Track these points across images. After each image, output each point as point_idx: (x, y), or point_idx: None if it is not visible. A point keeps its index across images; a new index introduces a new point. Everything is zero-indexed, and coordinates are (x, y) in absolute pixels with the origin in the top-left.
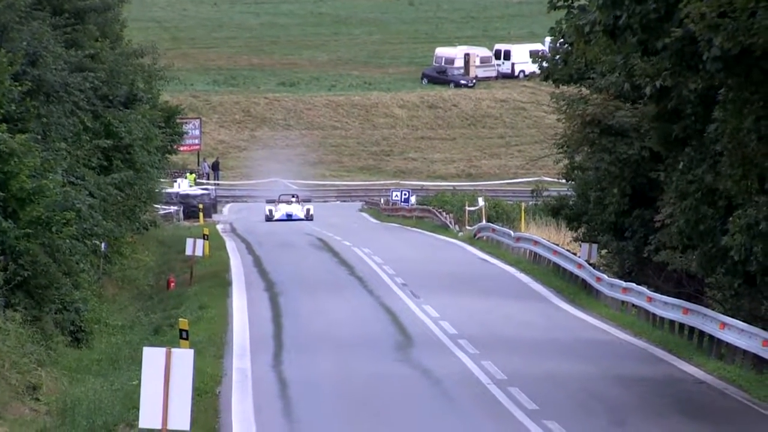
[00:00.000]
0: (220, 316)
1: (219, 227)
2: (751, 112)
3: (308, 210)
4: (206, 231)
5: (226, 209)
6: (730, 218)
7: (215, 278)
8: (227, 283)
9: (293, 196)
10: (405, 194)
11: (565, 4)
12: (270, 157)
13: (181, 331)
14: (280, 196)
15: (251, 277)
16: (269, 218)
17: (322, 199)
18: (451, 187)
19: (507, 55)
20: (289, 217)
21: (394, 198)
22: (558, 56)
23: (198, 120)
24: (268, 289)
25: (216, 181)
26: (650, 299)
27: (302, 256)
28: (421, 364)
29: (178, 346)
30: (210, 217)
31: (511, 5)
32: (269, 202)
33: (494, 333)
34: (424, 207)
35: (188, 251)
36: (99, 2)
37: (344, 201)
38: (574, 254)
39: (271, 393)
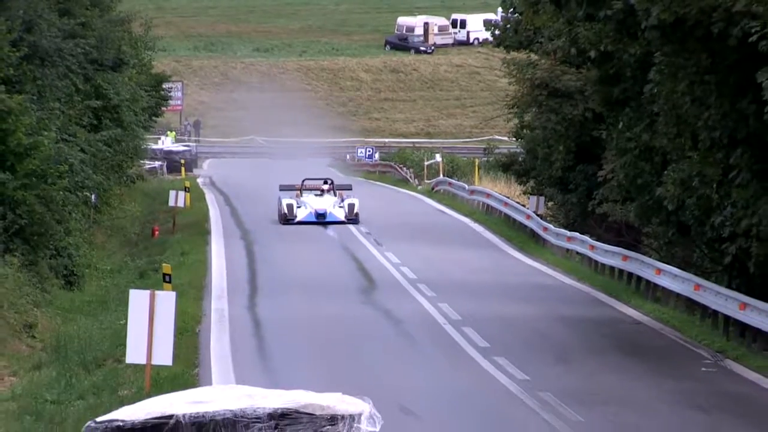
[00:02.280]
0: (200, 262)
1: (199, 181)
2: (685, 77)
3: (351, 207)
4: (188, 184)
5: (206, 164)
6: (665, 172)
7: (196, 227)
8: (206, 232)
9: (325, 182)
10: (369, 151)
11: None
12: (246, 117)
13: (164, 275)
14: (304, 181)
15: (228, 227)
16: (288, 219)
17: (293, 156)
18: (412, 145)
19: (463, 24)
20: (321, 218)
21: (359, 154)
22: (509, 25)
23: (180, 83)
24: (244, 238)
25: (197, 139)
26: (592, 247)
27: (275, 208)
28: (383, 305)
29: (162, 289)
30: (191, 171)
31: None
32: (285, 189)
33: (450, 278)
34: (387, 163)
35: (171, 202)
36: None
37: (313, 157)
38: (523, 206)
39: (247, 332)
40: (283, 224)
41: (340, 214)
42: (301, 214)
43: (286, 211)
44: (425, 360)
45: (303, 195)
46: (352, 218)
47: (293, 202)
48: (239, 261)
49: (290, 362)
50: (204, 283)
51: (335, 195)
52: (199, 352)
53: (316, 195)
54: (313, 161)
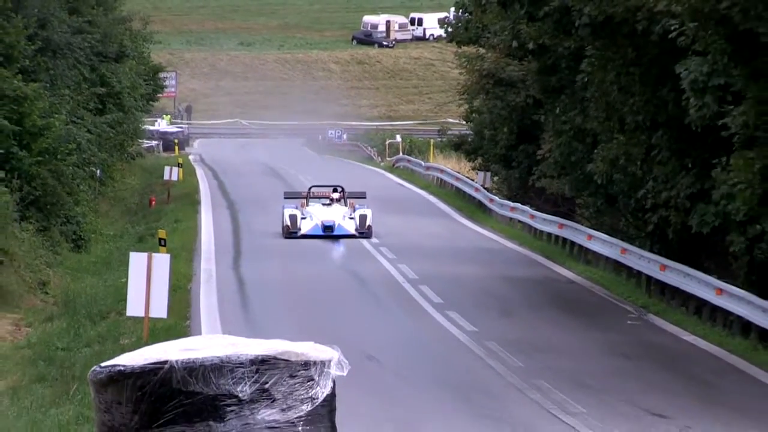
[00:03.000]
0: (191, 228)
1: (191, 158)
2: (613, 68)
3: (363, 218)
4: (180, 161)
5: (197, 144)
6: (595, 151)
7: (187, 198)
8: (197, 202)
9: (335, 189)
10: (338, 132)
11: None
12: (231, 102)
13: (160, 239)
14: (311, 189)
15: (216, 198)
16: (291, 232)
17: (273, 137)
18: (375, 127)
19: (420, 22)
20: (328, 231)
21: (329, 135)
22: (460, 23)
23: (174, 73)
24: (229, 208)
25: (189, 121)
26: (532, 216)
27: (256, 182)
28: (350, 267)
29: (158, 252)
30: (183, 149)
31: None
32: (290, 197)
33: (408, 242)
34: (354, 143)
35: (166, 176)
36: None
37: (289, 138)
38: (472, 180)
39: (231, 289)
40: (286, 238)
41: (350, 227)
42: (306, 227)
43: (288, 223)
44: (386, 313)
45: (309, 204)
46: (364, 231)
47: (297, 212)
48: (225, 228)
49: (269, 315)
50: (194, 246)
51: (346, 204)
52: (190, 306)
53: (323, 204)
54: (290, 141)
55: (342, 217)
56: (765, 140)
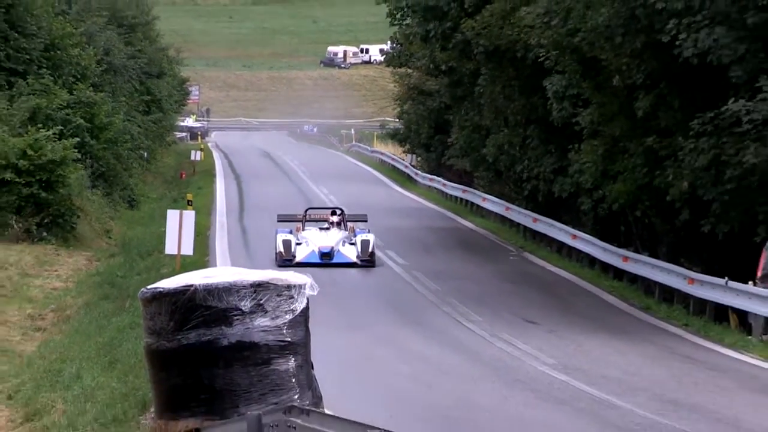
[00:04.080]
0: (210, 193)
1: (209, 144)
2: (500, 83)
3: (366, 244)
4: (202, 146)
5: (213, 135)
6: (487, 140)
7: (207, 172)
8: (213, 175)
9: (334, 212)
10: (311, 127)
11: (398, 22)
12: (237, 106)
13: (188, 201)
14: (307, 211)
15: (227, 172)
16: (285, 261)
17: (266, 130)
18: (336, 123)
19: (367, 51)
20: (326, 259)
21: (305, 129)
22: (394, 51)
23: (197, 86)
24: (236, 179)
25: (208, 119)
26: (444, 185)
27: (255, 161)
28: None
29: (187, 209)
30: (204, 139)
31: (371, 23)
32: (284, 220)
33: (359, 203)
34: (322, 134)
35: (192, 157)
36: (143, 21)
37: (277, 130)
38: (403, 160)
39: (237, 235)
40: (279, 266)
41: (351, 254)
42: (301, 254)
43: (282, 250)
44: None
45: (305, 228)
46: (366, 259)
47: (291, 238)
48: (233, 193)
49: (263, 253)
50: (212, 206)
51: (345, 228)
52: (209, 247)
53: (321, 229)
54: (278, 133)
55: (341, 243)
56: (604, 133)
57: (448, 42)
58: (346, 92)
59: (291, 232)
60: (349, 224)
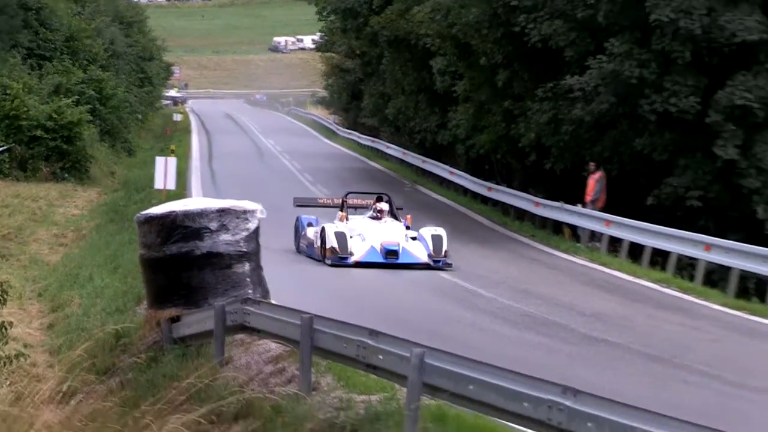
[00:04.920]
0: (187, 144)
1: (187, 109)
2: (398, 63)
3: (438, 240)
4: (182, 111)
5: (190, 102)
6: (390, 103)
7: (185, 130)
8: (190, 132)
9: (379, 198)
10: (262, 96)
11: (324, 19)
12: (208, 82)
13: (171, 150)
14: (347, 195)
15: (200, 129)
16: (341, 258)
17: (228, 99)
18: (281, 92)
19: (302, 40)
20: (392, 258)
21: (257, 98)
22: (322, 40)
23: (178, 67)
24: (207, 135)
25: (186, 91)
26: (359, 137)
27: (221, 121)
28: (267, 164)
29: (170, 156)
30: (183, 105)
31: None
32: (303, 205)
33: (296, 150)
34: (270, 102)
35: (174, 119)
36: (138, 19)
37: (237, 99)
38: (328, 119)
39: (208, 176)
40: (331, 266)
41: (420, 253)
42: (359, 250)
43: (335, 245)
44: (284, 187)
45: (349, 218)
46: (440, 260)
47: (345, 230)
48: (204, 145)
49: (226, 188)
50: (189, 154)
51: (397, 219)
52: (186, 183)
53: (371, 218)
54: (237, 101)
55: (405, 238)
56: (474, 98)
57: (361, 33)
58: (287, 70)
59: (317, 221)
60: (398, 212)
